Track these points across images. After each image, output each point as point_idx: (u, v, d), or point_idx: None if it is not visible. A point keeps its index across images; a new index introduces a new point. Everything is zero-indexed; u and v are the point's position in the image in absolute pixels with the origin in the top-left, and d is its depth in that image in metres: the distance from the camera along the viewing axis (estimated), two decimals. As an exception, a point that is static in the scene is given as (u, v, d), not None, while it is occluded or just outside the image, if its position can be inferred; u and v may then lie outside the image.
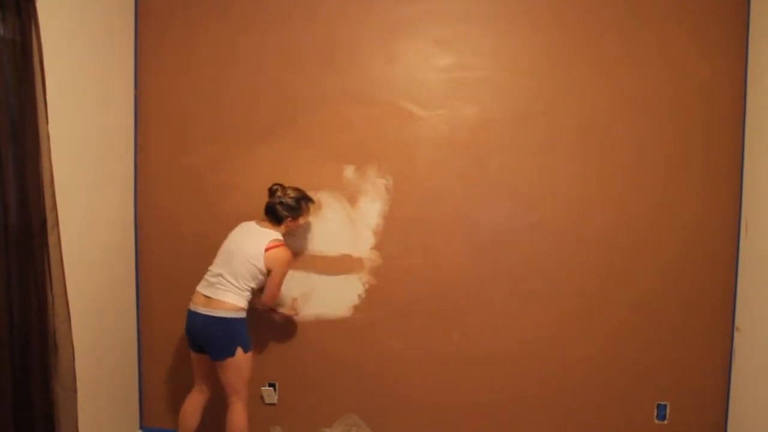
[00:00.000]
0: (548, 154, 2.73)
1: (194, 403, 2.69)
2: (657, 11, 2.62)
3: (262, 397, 3.04)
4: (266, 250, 2.52)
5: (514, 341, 2.81)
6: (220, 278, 2.53)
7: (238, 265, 2.52)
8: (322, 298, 2.94)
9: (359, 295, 2.90)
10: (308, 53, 2.89)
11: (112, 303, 2.89)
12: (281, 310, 2.87)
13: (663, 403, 2.72)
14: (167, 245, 3.09)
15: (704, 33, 2.59)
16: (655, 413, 2.72)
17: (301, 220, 2.69)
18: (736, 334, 2.60)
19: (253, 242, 2.55)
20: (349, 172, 2.88)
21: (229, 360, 2.51)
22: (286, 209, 2.60)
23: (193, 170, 3.03)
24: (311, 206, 2.72)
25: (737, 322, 2.60)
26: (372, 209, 2.87)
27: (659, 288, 2.68)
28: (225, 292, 2.51)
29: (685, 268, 2.66)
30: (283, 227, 2.63)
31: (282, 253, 2.56)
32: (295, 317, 2.92)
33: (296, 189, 2.66)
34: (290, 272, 2.95)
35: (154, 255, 3.11)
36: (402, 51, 2.82)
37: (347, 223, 2.89)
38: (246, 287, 2.54)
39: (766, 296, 2.34)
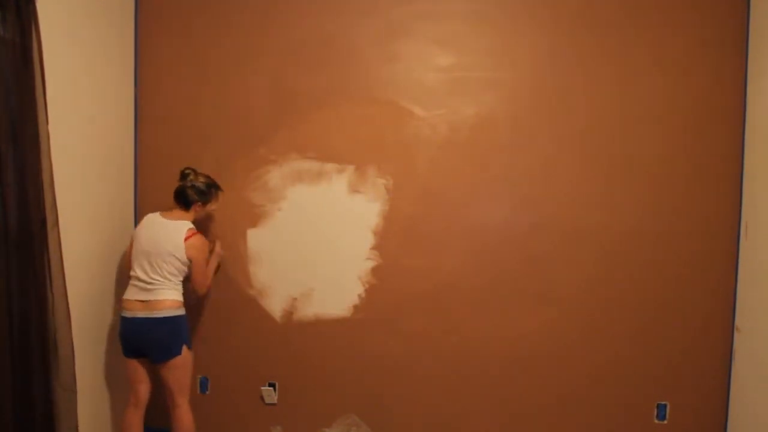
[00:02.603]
0: (548, 154, 2.73)
1: (133, 416, 2.60)
2: (657, 11, 2.62)
3: (262, 397, 3.04)
4: (185, 240, 2.53)
5: (514, 341, 2.80)
6: (152, 280, 2.50)
7: (162, 263, 2.51)
8: (322, 298, 2.94)
9: (359, 295, 2.90)
10: (308, 53, 2.89)
11: (112, 303, 2.89)
12: (214, 258, 2.84)
13: (663, 403, 2.71)
14: (167, 245, 3.08)
15: (704, 33, 2.59)
16: (655, 413, 2.72)
17: (209, 207, 2.70)
18: (736, 334, 2.60)
19: (168, 237, 2.53)
20: (349, 171, 2.88)
21: (177, 359, 2.50)
22: (196, 193, 2.61)
23: (193, 170, 3.03)
24: (220, 195, 2.73)
25: (737, 322, 2.60)
26: (372, 209, 2.86)
27: (659, 288, 2.68)
28: (162, 291, 2.50)
29: (685, 269, 2.66)
30: (191, 213, 2.63)
31: (199, 240, 2.59)
32: (220, 255, 2.91)
33: (207, 176, 2.69)
34: (290, 273, 2.96)
35: (154, 255, 3.10)
36: (402, 51, 2.82)
37: (347, 222, 2.89)
38: (178, 282, 2.56)
39: (766, 296, 2.34)
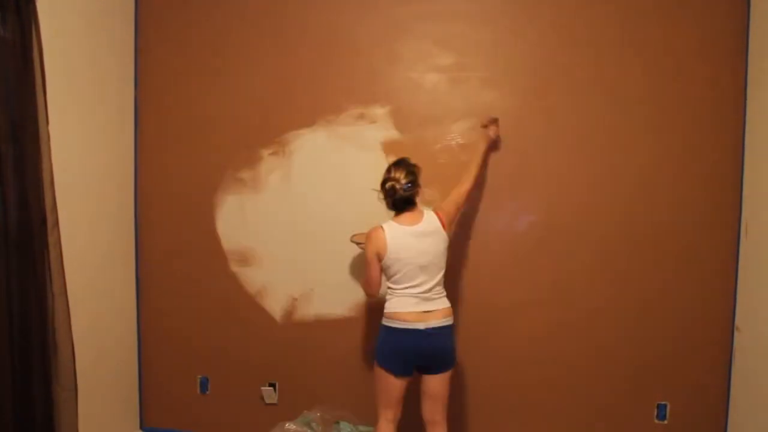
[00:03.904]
0: (548, 153, 2.73)
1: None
2: (657, 11, 2.62)
3: (262, 397, 3.04)
4: (443, 225, 2.32)
5: (513, 341, 2.80)
6: (430, 288, 2.29)
7: (436, 264, 2.31)
8: (322, 297, 2.95)
9: (360, 295, 2.90)
10: (309, 53, 2.89)
11: (112, 303, 2.90)
12: (483, 143, 2.64)
13: (663, 403, 2.71)
14: (167, 245, 3.09)
15: (704, 33, 2.59)
16: (655, 413, 2.72)
17: (421, 180, 2.37)
18: (736, 334, 2.60)
19: (435, 235, 2.31)
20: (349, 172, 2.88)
21: (452, 369, 2.35)
22: (410, 187, 2.29)
23: (194, 170, 3.03)
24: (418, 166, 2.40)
25: (737, 322, 2.60)
26: (373, 214, 2.86)
27: (659, 288, 2.68)
28: (442, 299, 2.33)
29: (685, 268, 2.66)
30: (418, 200, 2.37)
31: (442, 212, 2.37)
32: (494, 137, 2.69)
33: (397, 166, 2.34)
34: (290, 272, 2.96)
35: (154, 255, 3.11)
36: (402, 51, 2.82)
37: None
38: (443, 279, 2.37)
39: (766, 296, 2.34)
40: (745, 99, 2.56)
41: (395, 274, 2.30)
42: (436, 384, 2.33)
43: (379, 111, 2.84)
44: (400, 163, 2.35)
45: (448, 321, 2.32)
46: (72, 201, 2.51)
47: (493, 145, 2.72)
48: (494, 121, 2.67)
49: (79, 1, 2.59)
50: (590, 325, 2.74)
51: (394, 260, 2.28)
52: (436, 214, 2.36)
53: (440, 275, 2.33)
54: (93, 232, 2.72)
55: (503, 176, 2.77)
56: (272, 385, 3.03)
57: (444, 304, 2.33)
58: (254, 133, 2.96)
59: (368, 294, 2.42)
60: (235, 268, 3.02)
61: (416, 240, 2.28)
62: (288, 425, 2.73)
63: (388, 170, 2.33)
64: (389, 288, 2.35)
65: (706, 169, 2.62)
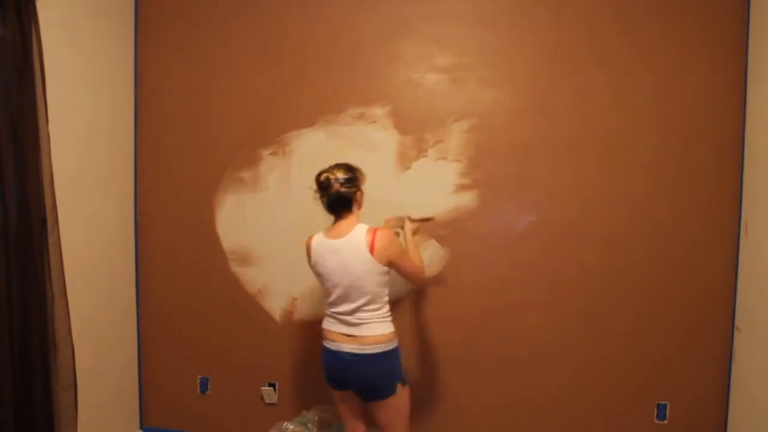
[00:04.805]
0: (547, 153, 2.73)
1: None
2: (657, 11, 2.62)
3: (262, 397, 3.04)
4: (371, 249, 2.06)
5: (513, 341, 2.80)
6: (350, 311, 2.11)
7: (360, 290, 2.09)
8: (322, 297, 2.94)
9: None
10: (309, 53, 2.89)
11: (112, 303, 2.90)
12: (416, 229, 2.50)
13: (663, 403, 2.71)
14: (167, 245, 3.09)
15: (704, 33, 2.59)
16: (655, 413, 2.72)
17: (364, 187, 2.21)
18: (736, 334, 2.60)
19: (353, 256, 2.07)
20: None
21: (388, 398, 2.14)
22: (347, 184, 2.12)
23: (193, 170, 3.03)
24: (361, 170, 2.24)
25: (737, 322, 2.60)
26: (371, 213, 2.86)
27: (659, 288, 2.68)
28: (368, 325, 2.11)
29: (685, 268, 2.66)
30: (355, 208, 2.17)
31: (385, 234, 2.09)
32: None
33: (336, 165, 2.18)
34: (290, 272, 2.96)
35: (154, 255, 3.11)
36: (402, 51, 2.82)
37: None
38: (383, 302, 2.16)
39: (766, 296, 2.34)
40: (745, 99, 2.56)
41: (324, 287, 2.20)
42: (375, 411, 2.18)
43: (379, 111, 2.84)
44: (341, 164, 2.18)
45: (369, 349, 2.08)
46: (72, 201, 2.51)
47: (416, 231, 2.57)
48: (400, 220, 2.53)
49: (79, 1, 2.59)
50: (590, 325, 2.74)
51: (317, 274, 2.19)
52: (372, 232, 2.08)
53: (363, 300, 2.09)
54: (93, 231, 2.72)
55: (503, 176, 2.77)
56: (272, 385, 3.03)
57: (369, 331, 2.10)
58: (254, 133, 2.96)
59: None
60: (235, 268, 3.02)
61: (332, 255, 2.10)
62: (286, 425, 2.73)
63: (328, 168, 2.16)
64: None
65: (706, 169, 2.62)
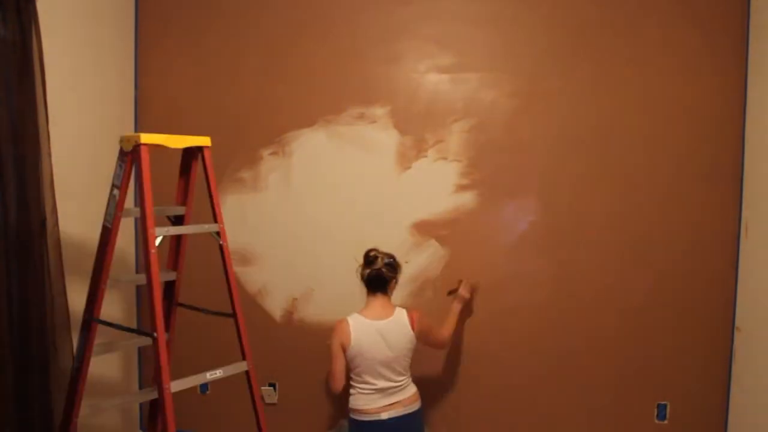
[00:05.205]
0: (548, 154, 2.73)
1: None
2: (657, 12, 2.62)
3: (262, 397, 3.04)
4: (412, 326, 2.32)
5: (513, 341, 2.80)
6: (391, 385, 2.29)
7: (400, 362, 2.30)
8: (322, 297, 2.94)
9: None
10: (309, 53, 2.89)
11: (111, 303, 2.89)
12: (457, 303, 2.65)
13: (663, 403, 2.71)
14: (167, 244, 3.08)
15: (704, 33, 2.59)
16: (655, 413, 2.72)
17: (397, 280, 2.45)
18: (736, 334, 2.60)
19: (402, 333, 2.30)
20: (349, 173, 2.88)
21: None
22: (389, 267, 2.36)
23: (193, 170, 3.03)
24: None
25: (737, 322, 2.60)
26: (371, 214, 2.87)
27: (660, 288, 2.68)
28: (407, 388, 2.33)
29: (685, 269, 2.66)
30: (390, 294, 2.40)
31: (420, 314, 2.38)
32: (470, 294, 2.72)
33: (384, 252, 2.41)
34: (290, 272, 2.96)
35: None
36: (402, 51, 2.82)
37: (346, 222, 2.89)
38: (408, 370, 2.38)
39: (766, 296, 2.34)
40: (745, 99, 2.56)
41: (356, 368, 2.30)
42: None
43: (379, 111, 2.84)
44: (389, 252, 2.41)
45: (412, 408, 2.31)
46: (72, 201, 2.51)
47: (467, 306, 2.73)
48: (461, 283, 2.70)
49: (79, 1, 2.59)
50: (590, 325, 2.74)
51: (356, 354, 2.28)
52: (409, 314, 2.35)
53: (402, 370, 2.32)
54: (93, 232, 2.71)
55: (503, 176, 2.77)
56: (272, 385, 3.03)
57: (409, 392, 2.33)
58: (254, 133, 2.96)
59: (332, 388, 2.38)
60: (235, 268, 3.02)
61: (380, 336, 2.28)
62: None
63: (374, 249, 2.40)
64: (351, 381, 2.34)
65: (706, 169, 2.62)
